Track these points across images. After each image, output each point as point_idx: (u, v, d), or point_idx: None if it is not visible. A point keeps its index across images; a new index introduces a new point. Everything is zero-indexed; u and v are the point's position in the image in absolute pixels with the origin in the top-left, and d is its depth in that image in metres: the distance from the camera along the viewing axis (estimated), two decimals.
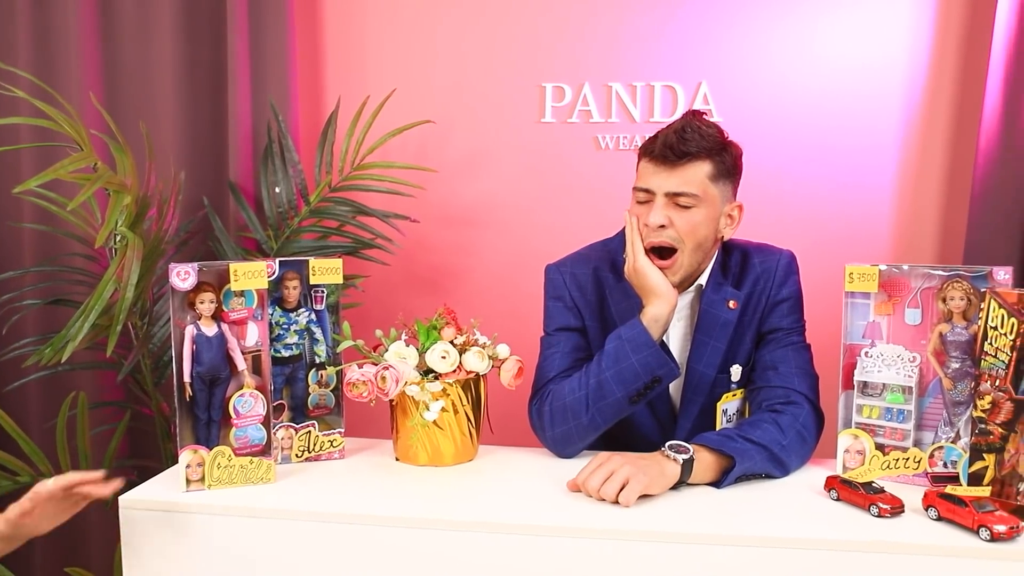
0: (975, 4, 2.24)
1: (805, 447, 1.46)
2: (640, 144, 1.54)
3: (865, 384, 1.41)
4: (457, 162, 2.47)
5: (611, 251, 1.64)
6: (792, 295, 1.60)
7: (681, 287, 1.55)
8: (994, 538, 1.14)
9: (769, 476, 1.41)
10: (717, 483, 1.36)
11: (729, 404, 1.58)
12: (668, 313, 1.48)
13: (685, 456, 1.32)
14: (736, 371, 1.58)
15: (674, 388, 1.60)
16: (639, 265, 1.49)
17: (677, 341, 1.60)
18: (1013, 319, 1.23)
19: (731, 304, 1.56)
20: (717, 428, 1.55)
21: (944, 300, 1.35)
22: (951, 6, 2.26)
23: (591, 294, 1.62)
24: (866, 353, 1.40)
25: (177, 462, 1.34)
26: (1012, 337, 1.23)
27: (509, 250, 2.48)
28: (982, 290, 1.29)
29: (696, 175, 1.46)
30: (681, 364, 1.56)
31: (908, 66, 2.29)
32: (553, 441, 1.52)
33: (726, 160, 1.49)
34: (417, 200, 2.35)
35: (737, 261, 1.61)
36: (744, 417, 1.58)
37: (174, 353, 1.31)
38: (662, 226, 1.47)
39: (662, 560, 1.17)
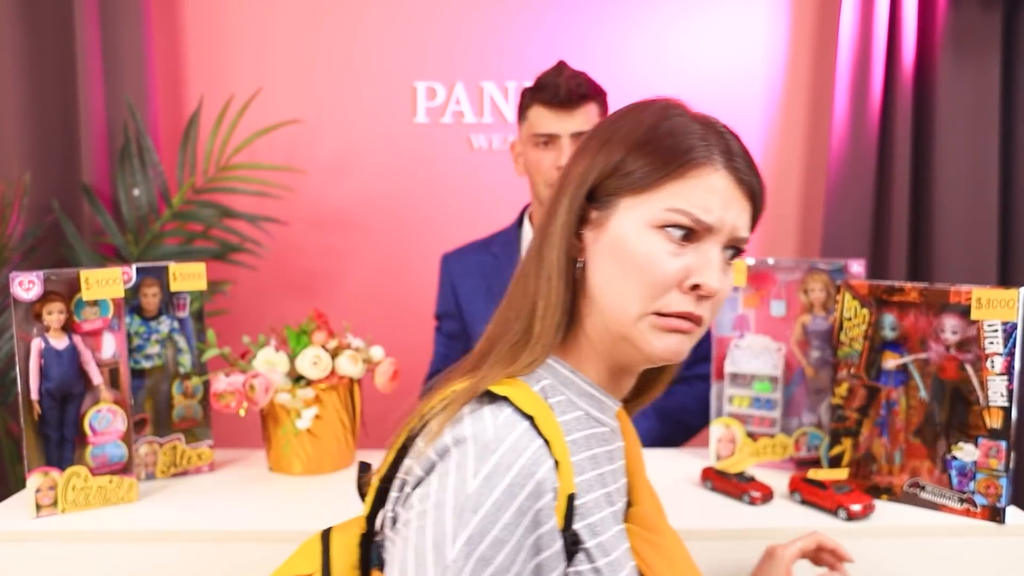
0: (822, 19, 2.38)
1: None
2: (529, 95, 1.62)
3: (735, 375, 1.46)
4: (327, 163, 2.41)
5: (487, 243, 1.76)
6: None
7: None
8: (851, 517, 1.20)
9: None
10: None
11: None
12: None
13: None
14: None
15: None
16: None
17: None
18: (865, 309, 1.30)
19: None
20: None
21: (806, 292, 1.41)
22: (803, 20, 2.38)
23: (474, 278, 1.70)
24: (736, 345, 1.45)
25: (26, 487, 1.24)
26: (864, 327, 1.30)
27: (382, 252, 2.44)
28: (838, 283, 1.36)
29: (591, 116, 1.61)
30: None
31: (766, 76, 2.40)
32: None
33: (606, 102, 1.65)
34: (286, 202, 2.27)
35: None
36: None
37: (19, 369, 1.21)
38: None
39: None
